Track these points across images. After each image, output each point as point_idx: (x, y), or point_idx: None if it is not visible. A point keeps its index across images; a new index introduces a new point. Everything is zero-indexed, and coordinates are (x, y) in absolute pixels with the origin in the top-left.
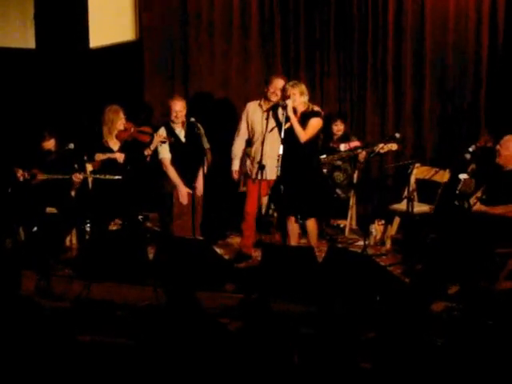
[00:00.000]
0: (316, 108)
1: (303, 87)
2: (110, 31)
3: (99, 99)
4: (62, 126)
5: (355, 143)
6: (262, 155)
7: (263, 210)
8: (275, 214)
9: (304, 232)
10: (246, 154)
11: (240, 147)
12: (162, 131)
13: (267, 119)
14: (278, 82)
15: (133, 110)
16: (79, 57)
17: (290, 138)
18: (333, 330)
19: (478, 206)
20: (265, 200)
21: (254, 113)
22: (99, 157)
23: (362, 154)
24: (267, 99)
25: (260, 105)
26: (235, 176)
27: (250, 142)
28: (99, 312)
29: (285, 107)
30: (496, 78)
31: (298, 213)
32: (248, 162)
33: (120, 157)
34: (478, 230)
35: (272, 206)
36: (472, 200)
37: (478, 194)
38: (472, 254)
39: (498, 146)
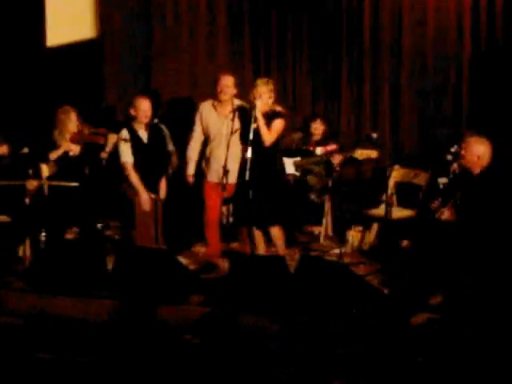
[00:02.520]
0: (279, 108)
1: (273, 88)
2: (68, 29)
3: (57, 101)
4: (17, 129)
5: (332, 147)
6: (226, 159)
7: (228, 217)
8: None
9: (269, 240)
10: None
11: (195, 150)
12: (124, 133)
13: (233, 120)
14: (226, 80)
15: (93, 111)
16: (36, 56)
17: (255, 140)
18: (305, 345)
19: (447, 215)
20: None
21: (209, 113)
22: (53, 155)
23: (338, 158)
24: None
25: (214, 105)
26: (190, 181)
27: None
28: (54, 328)
29: (253, 107)
30: (478, 76)
31: (256, 221)
32: (203, 165)
33: (75, 149)
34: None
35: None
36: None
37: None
38: (455, 261)
39: (462, 151)
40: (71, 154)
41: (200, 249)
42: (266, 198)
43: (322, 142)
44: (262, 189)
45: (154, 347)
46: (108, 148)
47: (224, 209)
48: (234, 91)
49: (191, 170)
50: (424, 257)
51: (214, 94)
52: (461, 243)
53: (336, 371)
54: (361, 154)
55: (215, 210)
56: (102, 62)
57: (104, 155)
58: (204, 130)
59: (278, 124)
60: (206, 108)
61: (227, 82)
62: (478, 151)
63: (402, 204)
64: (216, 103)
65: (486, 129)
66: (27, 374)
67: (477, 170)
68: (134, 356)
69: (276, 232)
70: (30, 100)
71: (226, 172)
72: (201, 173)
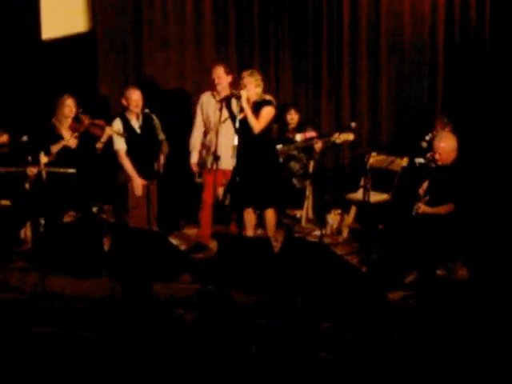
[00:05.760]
0: (268, 97)
1: (259, 78)
2: (62, 22)
3: (53, 92)
4: (15, 120)
5: (311, 133)
6: (216, 146)
7: (223, 201)
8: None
9: (260, 222)
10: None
11: (197, 139)
12: (117, 123)
13: (221, 110)
14: (217, 70)
15: (88, 102)
16: (31, 49)
17: (244, 129)
18: (290, 320)
19: (423, 208)
20: (221, 190)
21: (208, 103)
22: (54, 148)
23: (319, 145)
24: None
25: (213, 95)
26: (194, 168)
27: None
28: (55, 304)
29: (239, 98)
30: (453, 65)
31: (255, 204)
32: (204, 153)
33: (73, 143)
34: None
35: (227, 197)
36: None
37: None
38: (429, 242)
39: (436, 155)
40: (70, 146)
41: (190, 230)
42: (261, 183)
43: (300, 129)
44: (257, 174)
45: (149, 321)
46: (103, 139)
47: (220, 193)
48: (229, 79)
49: (195, 158)
50: (399, 238)
51: (200, 86)
52: (442, 230)
53: (321, 344)
54: (338, 137)
55: (211, 195)
56: (95, 55)
57: (99, 145)
58: (204, 119)
59: (267, 111)
60: (205, 98)
61: (219, 72)
62: (450, 146)
63: (379, 189)
64: (215, 93)
65: (459, 116)
66: (30, 347)
67: (449, 162)
68: (131, 329)
69: (270, 215)
70: (28, 91)
71: (216, 158)
72: (201, 161)
